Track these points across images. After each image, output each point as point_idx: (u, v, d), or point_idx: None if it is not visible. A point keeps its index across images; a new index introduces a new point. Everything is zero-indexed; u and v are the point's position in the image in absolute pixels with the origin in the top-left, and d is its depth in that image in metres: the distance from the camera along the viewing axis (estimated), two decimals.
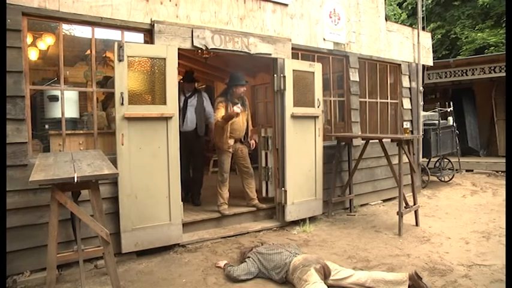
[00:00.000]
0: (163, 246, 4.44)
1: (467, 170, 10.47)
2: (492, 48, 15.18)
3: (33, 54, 5.94)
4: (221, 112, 5.22)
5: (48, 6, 3.87)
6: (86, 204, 3.42)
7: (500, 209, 6.36)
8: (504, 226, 5.37)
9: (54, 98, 4.69)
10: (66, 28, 4.89)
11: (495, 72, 10.68)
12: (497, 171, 10.18)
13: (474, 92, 12.00)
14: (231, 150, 5.46)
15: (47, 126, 4.65)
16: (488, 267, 3.97)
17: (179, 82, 4.97)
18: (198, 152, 5.92)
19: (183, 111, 5.64)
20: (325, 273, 3.39)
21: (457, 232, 5.21)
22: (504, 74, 10.43)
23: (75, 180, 2.66)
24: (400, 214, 5.18)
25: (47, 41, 6.05)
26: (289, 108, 5.42)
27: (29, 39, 5.12)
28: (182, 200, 4.64)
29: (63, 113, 4.16)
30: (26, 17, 3.80)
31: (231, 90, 5.39)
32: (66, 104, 4.24)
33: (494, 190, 8.03)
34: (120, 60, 4.14)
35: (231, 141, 5.43)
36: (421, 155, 8.32)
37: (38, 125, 4.87)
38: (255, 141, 5.78)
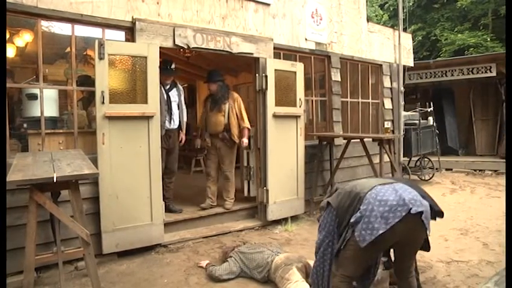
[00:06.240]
0: (145, 247, 4.40)
1: (446, 169, 10.67)
2: (472, 49, 15.54)
3: (9, 51, 5.81)
4: (200, 114, 5.53)
5: (25, 1, 3.78)
6: (66, 204, 3.37)
7: (478, 207, 6.52)
8: (481, 223, 5.51)
9: (33, 97, 4.59)
10: (46, 25, 4.80)
11: (473, 73, 10.92)
12: (475, 170, 10.40)
13: (454, 93, 12.24)
14: (210, 145, 5.66)
15: (25, 125, 4.56)
16: (465, 263, 4.07)
17: None
18: (177, 154, 5.51)
19: (168, 106, 5.19)
20: (307, 272, 3.42)
21: (436, 229, 5.28)
22: (481, 76, 10.78)
23: (55, 180, 2.62)
24: None
25: (24, 38, 5.91)
26: (271, 107, 5.43)
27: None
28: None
29: (42, 112, 4.08)
30: None
31: None
32: (46, 103, 4.16)
33: (472, 188, 8.20)
34: (100, 59, 4.08)
35: (207, 137, 5.70)
36: (402, 154, 8.44)
37: (16, 124, 4.76)
38: (243, 141, 5.62)
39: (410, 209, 2.35)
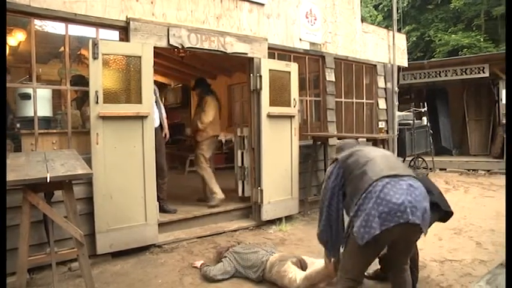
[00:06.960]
0: (139, 247, 4.39)
1: (440, 169, 10.73)
2: (466, 50, 15.67)
3: None
4: None
5: (18, 0, 3.75)
6: (60, 205, 3.35)
7: (471, 206, 6.55)
8: (475, 223, 5.54)
9: (26, 96, 4.56)
10: (39, 24, 4.77)
11: (466, 74, 11.00)
12: (468, 170, 10.47)
13: (447, 93, 12.31)
14: None
15: (18, 125, 4.53)
16: (459, 262, 4.09)
17: None
18: (163, 152, 5.42)
19: None
20: (301, 266, 3.45)
21: (430, 229, 5.23)
22: (474, 76, 10.86)
23: (48, 181, 2.60)
24: None
25: (17, 37, 5.87)
26: (266, 107, 5.43)
27: None
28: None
29: (35, 112, 4.06)
30: None
31: None
32: (39, 103, 4.13)
33: (466, 188, 8.25)
34: (94, 58, 4.06)
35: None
36: (396, 154, 8.47)
37: (9, 124, 4.73)
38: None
39: (409, 219, 2.36)
